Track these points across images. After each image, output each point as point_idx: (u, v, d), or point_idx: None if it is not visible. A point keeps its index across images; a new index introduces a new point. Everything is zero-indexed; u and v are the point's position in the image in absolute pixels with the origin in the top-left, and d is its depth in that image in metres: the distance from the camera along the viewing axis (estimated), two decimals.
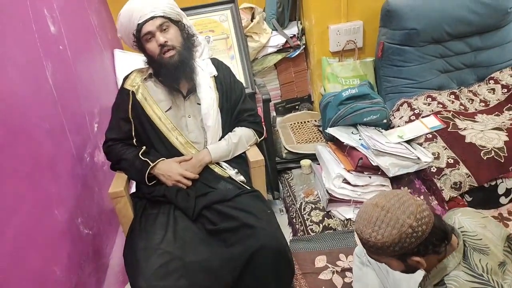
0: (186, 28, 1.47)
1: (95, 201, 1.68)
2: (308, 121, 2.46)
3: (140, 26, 1.36)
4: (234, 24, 2.25)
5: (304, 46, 2.47)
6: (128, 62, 2.40)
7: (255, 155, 1.47)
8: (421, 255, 0.89)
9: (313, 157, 2.19)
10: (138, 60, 2.43)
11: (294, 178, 2.17)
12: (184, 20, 1.48)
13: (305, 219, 1.87)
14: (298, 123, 2.45)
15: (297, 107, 2.70)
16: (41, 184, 1.25)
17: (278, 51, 2.46)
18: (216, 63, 1.55)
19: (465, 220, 1.00)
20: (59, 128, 1.45)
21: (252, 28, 2.35)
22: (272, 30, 2.44)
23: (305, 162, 2.15)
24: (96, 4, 2.24)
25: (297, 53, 2.46)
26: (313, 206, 1.91)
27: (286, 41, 2.42)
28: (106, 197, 1.82)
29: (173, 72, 1.39)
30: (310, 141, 2.29)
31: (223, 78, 1.52)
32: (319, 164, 2.12)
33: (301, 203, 1.96)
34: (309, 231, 1.81)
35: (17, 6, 1.31)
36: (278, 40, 2.42)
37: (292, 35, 2.44)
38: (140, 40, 1.40)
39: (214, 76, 1.50)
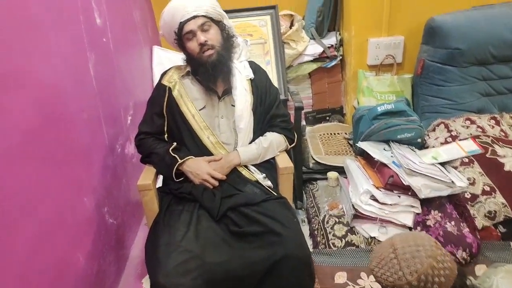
0: (227, 28, 1.47)
1: (122, 192, 1.71)
2: (338, 133, 2.42)
3: (182, 25, 1.38)
4: (273, 30, 2.26)
5: (341, 57, 2.44)
6: (166, 59, 2.45)
7: (284, 162, 1.45)
8: None
9: (340, 170, 2.15)
10: (175, 58, 2.48)
11: (319, 190, 2.13)
12: (225, 21, 1.48)
13: (328, 232, 1.83)
14: (327, 134, 2.42)
15: (327, 118, 2.66)
16: (75, 171, 1.28)
17: (314, 60, 2.44)
18: (254, 66, 1.55)
19: (505, 286, 0.93)
20: (95, 119, 1.49)
21: (290, 35, 2.35)
22: (310, 38, 2.43)
23: (332, 175, 2.11)
24: (140, 2, 2.29)
25: (333, 63, 2.43)
26: (337, 220, 1.87)
27: (323, 51, 2.40)
28: (132, 189, 1.85)
29: (210, 71, 1.40)
30: (339, 154, 2.25)
31: (259, 81, 1.52)
32: (346, 177, 2.08)
33: (325, 215, 1.92)
34: (331, 245, 1.77)
35: None
36: (315, 49, 2.40)
37: (329, 45, 2.42)
38: (181, 39, 1.42)
39: (250, 79, 1.50)
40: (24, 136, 1.00)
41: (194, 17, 1.37)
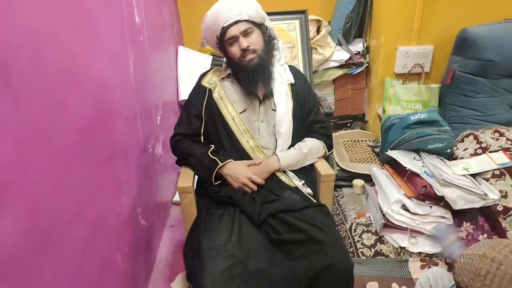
0: (268, 31, 1.45)
1: (152, 193, 1.69)
2: (361, 140, 2.40)
3: (224, 30, 1.36)
4: (301, 34, 2.25)
5: (367, 65, 2.43)
6: (190, 60, 2.43)
7: (326, 169, 1.43)
8: None
9: (365, 178, 2.13)
10: (199, 59, 2.47)
11: (345, 197, 2.12)
12: (266, 22, 1.45)
13: (356, 241, 1.81)
14: (351, 141, 2.40)
15: (349, 124, 2.65)
16: (116, 169, 1.26)
17: (340, 67, 2.43)
18: (294, 70, 1.54)
19: None
20: (133, 117, 1.47)
21: (317, 41, 2.34)
22: (337, 44, 2.42)
23: (358, 182, 2.10)
24: (169, 1, 2.28)
25: (359, 70, 2.43)
26: (365, 228, 1.85)
27: (350, 57, 2.40)
28: (159, 191, 1.83)
29: (251, 75, 1.38)
30: (364, 161, 2.23)
31: (300, 86, 1.50)
32: (371, 185, 2.07)
33: (352, 223, 1.90)
34: (360, 254, 1.76)
35: None
36: (341, 55, 2.40)
37: (356, 52, 2.41)
38: (223, 43, 1.40)
39: (290, 83, 1.49)
40: (80, 133, 0.98)
41: (237, 22, 1.34)
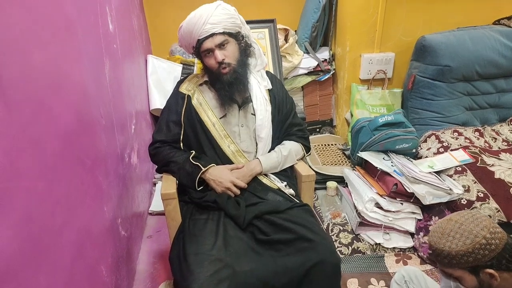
0: (244, 39, 1.46)
1: (130, 203, 1.65)
2: (332, 144, 2.49)
3: (200, 43, 1.37)
4: (271, 43, 2.31)
5: (333, 71, 2.53)
6: (160, 69, 2.42)
7: (306, 170, 1.47)
8: (494, 269, 0.92)
9: (337, 180, 2.21)
10: (170, 68, 2.46)
11: (319, 199, 2.18)
12: (243, 28, 1.46)
13: (333, 240, 1.87)
14: (322, 145, 2.48)
15: (318, 129, 2.74)
16: (98, 178, 1.23)
17: (308, 74, 2.51)
18: (270, 76, 1.58)
19: None
20: (110, 126, 1.44)
21: (286, 49, 2.41)
22: (304, 52, 2.51)
23: (331, 184, 2.16)
24: (137, 10, 2.26)
25: (326, 77, 2.52)
26: (341, 228, 1.91)
27: (317, 65, 2.49)
28: (137, 200, 1.79)
29: (227, 88, 1.40)
30: (335, 164, 2.31)
31: (276, 91, 1.54)
32: (344, 187, 2.14)
33: (328, 224, 1.96)
34: (338, 252, 1.81)
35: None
36: (309, 62, 2.48)
37: (323, 60, 2.51)
38: (199, 53, 1.42)
39: (268, 89, 1.52)
40: (65, 140, 0.95)
41: (212, 35, 1.34)
